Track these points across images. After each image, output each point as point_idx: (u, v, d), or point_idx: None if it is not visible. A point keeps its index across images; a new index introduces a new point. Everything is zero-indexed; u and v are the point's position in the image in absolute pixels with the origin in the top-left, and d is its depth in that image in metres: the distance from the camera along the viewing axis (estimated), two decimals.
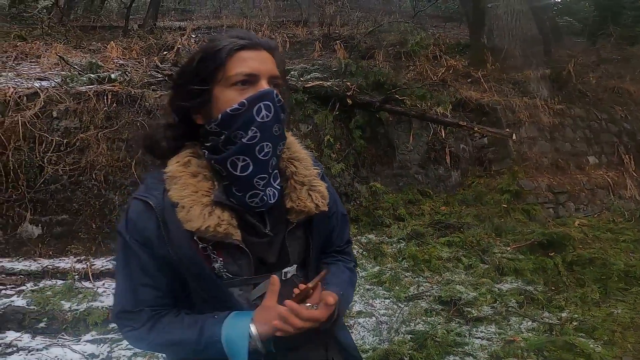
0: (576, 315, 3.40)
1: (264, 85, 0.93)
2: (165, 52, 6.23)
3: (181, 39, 6.81)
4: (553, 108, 6.96)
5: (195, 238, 0.93)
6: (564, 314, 3.48)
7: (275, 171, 1.00)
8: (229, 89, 0.93)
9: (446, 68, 7.03)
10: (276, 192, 0.98)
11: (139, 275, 0.96)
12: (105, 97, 4.71)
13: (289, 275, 1.02)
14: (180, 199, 0.92)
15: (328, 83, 5.63)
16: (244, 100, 0.91)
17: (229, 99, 0.92)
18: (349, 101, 5.34)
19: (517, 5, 7.93)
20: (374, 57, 7.05)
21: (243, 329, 0.90)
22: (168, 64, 5.68)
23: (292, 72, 6.19)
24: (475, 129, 5.76)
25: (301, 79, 6.07)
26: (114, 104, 4.75)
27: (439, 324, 3.46)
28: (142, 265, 0.95)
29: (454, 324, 3.46)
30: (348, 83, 5.50)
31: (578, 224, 5.25)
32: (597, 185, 6.32)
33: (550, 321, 3.37)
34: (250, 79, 0.93)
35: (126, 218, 0.96)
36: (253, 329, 0.91)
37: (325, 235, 1.12)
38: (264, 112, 0.91)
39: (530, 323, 3.39)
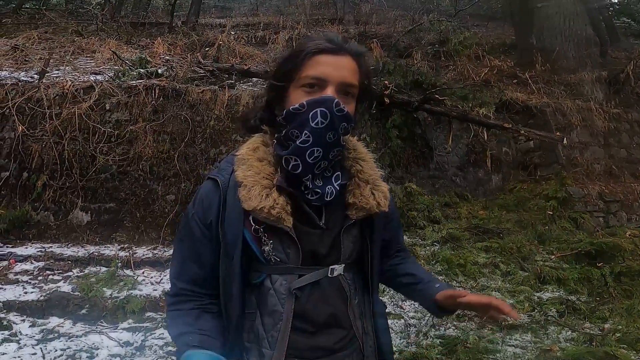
0: (620, 327, 3.18)
1: (328, 92, 0.96)
2: (207, 49, 6.48)
3: (222, 36, 7.03)
4: (608, 112, 6.52)
5: (250, 220, 0.98)
6: (607, 325, 3.26)
7: (337, 173, 1.03)
8: (299, 88, 0.98)
9: (490, 68, 6.78)
10: (334, 191, 1.01)
11: (188, 252, 1.03)
12: (153, 92, 4.97)
13: (335, 273, 1.03)
14: (244, 179, 0.99)
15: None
16: (304, 102, 0.96)
17: (296, 98, 0.98)
18: (386, 100, 5.29)
19: (569, 5, 7.54)
20: (411, 56, 6.93)
21: None
22: (209, 60, 5.90)
23: None
24: (522, 132, 5.50)
25: None
26: (161, 98, 4.99)
27: (470, 329, 3.34)
28: (195, 241, 1.02)
29: (486, 331, 3.32)
30: (385, 82, 5.45)
31: (629, 235, 4.88)
32: None
33: (592, 332, 3.17)
34: (318, 83, 0.96)
35: (196, 195, 1.04)
36: None
37: (385, 239, 1.15)
38: (319, 118, 0.94)
39: (569, 333, 3.20)
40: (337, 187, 1.01)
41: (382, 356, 1.11)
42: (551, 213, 5.14)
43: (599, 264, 4.18)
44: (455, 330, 3.34)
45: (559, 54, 7.34)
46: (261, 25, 9.16)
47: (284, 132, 0.99)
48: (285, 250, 0.99)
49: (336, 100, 0.95)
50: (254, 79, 6.12)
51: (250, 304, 1.02)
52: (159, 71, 5.33)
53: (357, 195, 1.03)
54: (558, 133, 5.79)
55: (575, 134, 6.11)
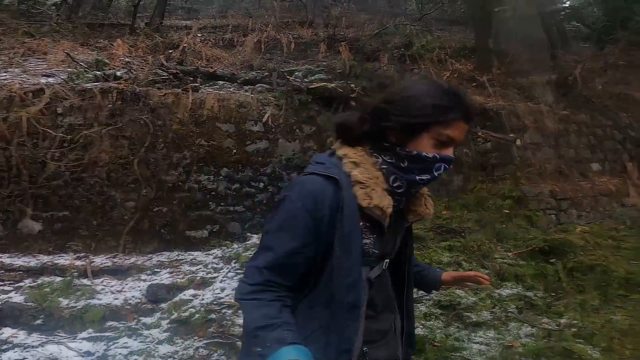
0: (575, 322, 3.36)
1: (451, 152, 1.14)
2: (171, 51, 6.28)
3: (187, 38, 6.85)
4: (558, 114, 6.91)
5: (358, 216, 1.10)
6: (563, 320, 3.44)
7: None
8: (431, 139, 1.11)
9: (451, 72, 6.99)
10: (404, 200, 1.21)
11: (288, 242, 1.09)
12: (110, 95, 4.74)
13: (385, 266, 1.23)
14: (366, 180, 1.12)
15: (332, 84, 5.64)
16: (437, 155, 1.12)
17: (426, 145, 1.11)
18: (353, 103, 5.35)
19: (524, 9, 7.88)
20: (378, 59, 7.05)
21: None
22: (173, 63, 5.72)
23: (296, 73, 6.22)
24: (479, 133, 5.74)
25: (305, 80, 6.08)
26: (119, 102, 4.77)
27: (438, 328, 3.43)
28: (299, 232, 1.08)
29: (452, 329, 3.43)
30: (352, 85, 5.50)
31: (580, 231, 5.20)
32: (600, 193, 6.27)
33: (549, 327, 3.34)
34: (449, 142, 1.13)
35: (303, 189, 1.11)
36: None
37: None
38: (441, 170, 1.13)
39: (529, 329, 3.36)
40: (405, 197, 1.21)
41: (409, 338, 1.32)
42: (508, 212, 5.39)
43: (552, 260, 4.42)
44: (423, 329, 3.43)
45: (513, 58, 7.68)
46: (229, 27, 8.98)
47: (404, 164, 1.14)
48: (375, 245, 1.15)
49: (454, 159, 1.15)
50: (220, 82, 6.00)
51: None
52: (117, 73, 5.09)
53: (417, 204, 1.24)
54: (512, 134, 6.09)
55: (528, 135, 6.43)
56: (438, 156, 1.12)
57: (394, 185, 1.15)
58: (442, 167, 1.13)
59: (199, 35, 7.87)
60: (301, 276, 1.11)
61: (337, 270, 1.09)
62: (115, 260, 4.33)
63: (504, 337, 3.26)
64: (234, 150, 5.12)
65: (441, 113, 1.10)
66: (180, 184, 4.84)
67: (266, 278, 1.08)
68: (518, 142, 6.01)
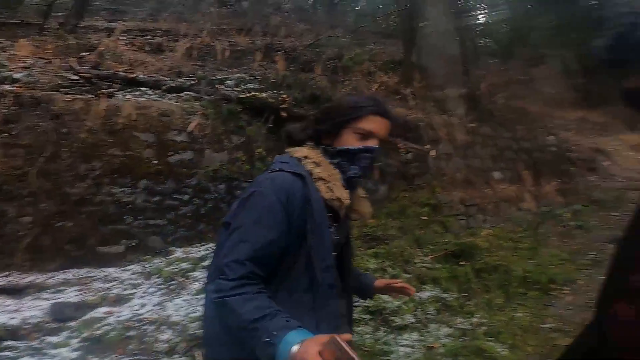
0: (485, 320, 3.68)
1: (373, 143, 1.31)
2: (85, 54, 5.68)
3: (107, 40, 6.28)
4: (466, 126, 7.58)
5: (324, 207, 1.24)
6: (474, 319, 3.74)
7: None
8: (353, 134, 1.31)
9: (379, 84, 7.28)
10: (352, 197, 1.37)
11: (266, 234, 1.16)
12: (4, 99, 4.16)
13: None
14: (327, 177, 1.29)
15: (263, 95, 5.56)
16: (360, 147, 1.31)
17: (349, 140, 1.32)
18: (284, 114, 5.33)
19: (442, 25, 8.46)
20: (313, 70, 7.11)
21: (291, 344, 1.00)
22: (87, 66, 5.19)
23: (227, 82, 6.02)
24: (400, 145, 6.08)
25: (236, 89, 5.92)
26: (15, 107, 4.21)
27: (367, 333, 3.54)
28: (275, 224, 1.17)
29: (380, 333, 3.56)
30: (283, 95, 5.48)
31: (485, 234, 5.75)
32: (501, 199, 7.01)
33: (464, 326, 3.63)
34: (368, 135, 1.31)
35: (275, 184, 1.21)
36: (295, 348, 0.99)
37: None
38: (367, 160, 1.31)
39: (447, 329, 3.61)
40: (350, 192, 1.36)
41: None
42: (425, 218, 5.77)
43: (462, 262, 4.81)
44: (354, 335, 3.51)
45: (432, 72, 8.21)
46: (159, 31, 8.35)
47: (337, 161, 1.32)
48: (336, 233, 1.31)
49: (377, 150, 1.32)
50: (142, 89, 5.57)
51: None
52: (15, 76, 4.48)
53: (357, 204, 1.43)
54: (428, 145, 6.55)
55: (442, 146, 6.96)
56: (362, 147, 1.31)
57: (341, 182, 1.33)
58: (367, 156, 1.31)
59: (123, 38, 7.24)
60: (272, 267, 1.19)
61: (314, 257, 1.21)
62: (9, 279, 3.88)
63: (426, 339, 3.46)
64: (155, 161, 4.79)
65: (356, 110, 1.31)
66: (89, 196, 4.40)
67: (249, 270, 1.13)
68: (432, 152, 6.49)
